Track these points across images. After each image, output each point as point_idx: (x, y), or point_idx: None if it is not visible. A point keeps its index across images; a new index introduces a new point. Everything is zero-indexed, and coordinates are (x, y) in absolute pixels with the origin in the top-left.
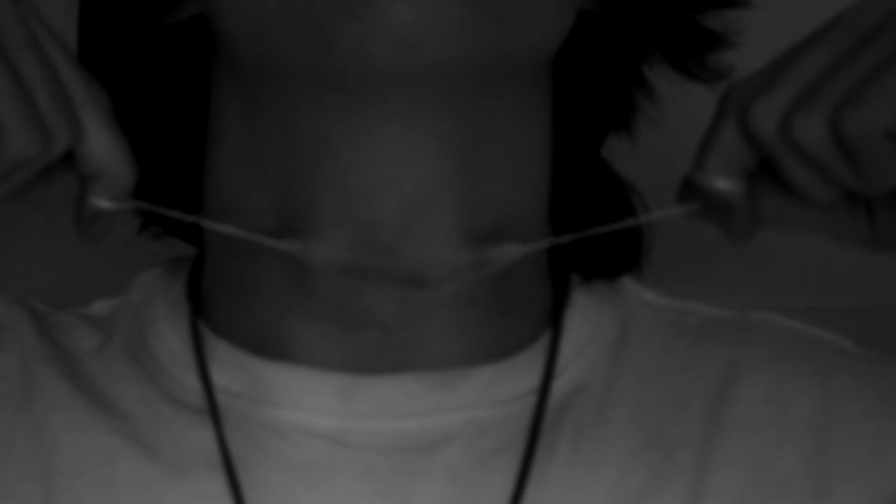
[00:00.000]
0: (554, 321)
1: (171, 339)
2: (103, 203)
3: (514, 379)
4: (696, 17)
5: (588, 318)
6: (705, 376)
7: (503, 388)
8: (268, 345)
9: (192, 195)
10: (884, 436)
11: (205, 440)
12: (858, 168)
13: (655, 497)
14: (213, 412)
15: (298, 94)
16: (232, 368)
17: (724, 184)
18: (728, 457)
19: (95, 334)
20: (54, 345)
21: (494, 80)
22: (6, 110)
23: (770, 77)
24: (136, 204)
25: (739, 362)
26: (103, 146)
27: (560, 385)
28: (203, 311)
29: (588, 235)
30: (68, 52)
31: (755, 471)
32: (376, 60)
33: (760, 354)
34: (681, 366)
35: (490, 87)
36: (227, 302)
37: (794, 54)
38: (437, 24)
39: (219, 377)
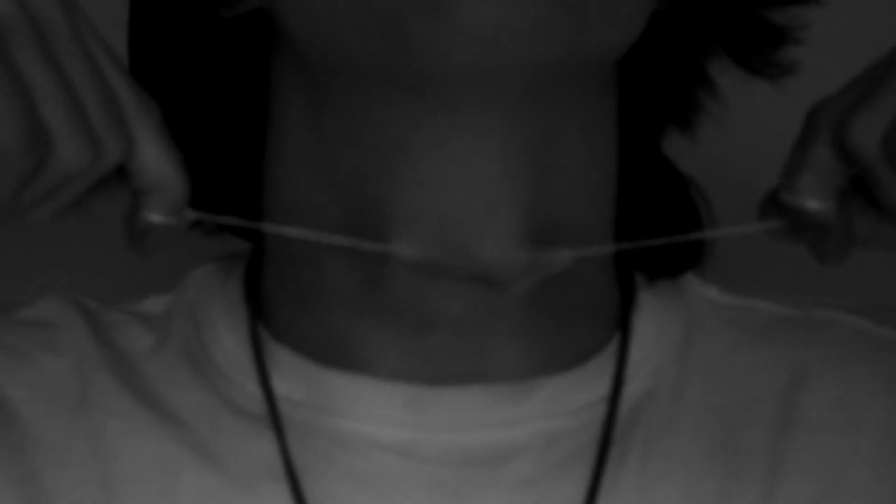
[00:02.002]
0: (621, 325)
1: (229, 342)
2: (156, 217)
3: (584, 388)
4: (762, 13)
5: (654, 320)
6: (772, 379)
7: (573, 397)
8: (332, 352)
9: (251, 191)
10: None
11: (267, 450)
12: None
13: None
14: (276, 421)
15: (371, 94)
16: (294, 376)
17: (817, 204)
18: (798, 464)
19: (149, 334)
20: (108, 346)
21: (568, 81)
22: (58, 120)
23: (865, 93)
24: (190, 216)
25: (807, 364)
26: (156, 160)
27: (630, 392)
28: (262, 314)
29: (648, 245)
30: (120, 62)
31: (826, 478)
32: (455, 60)
33: (829, 356)
34: (746, 367)
35: (563, 87)
36: (289, 307)
37: (887, 69)
38: (516, 22)
39: (280, 385)
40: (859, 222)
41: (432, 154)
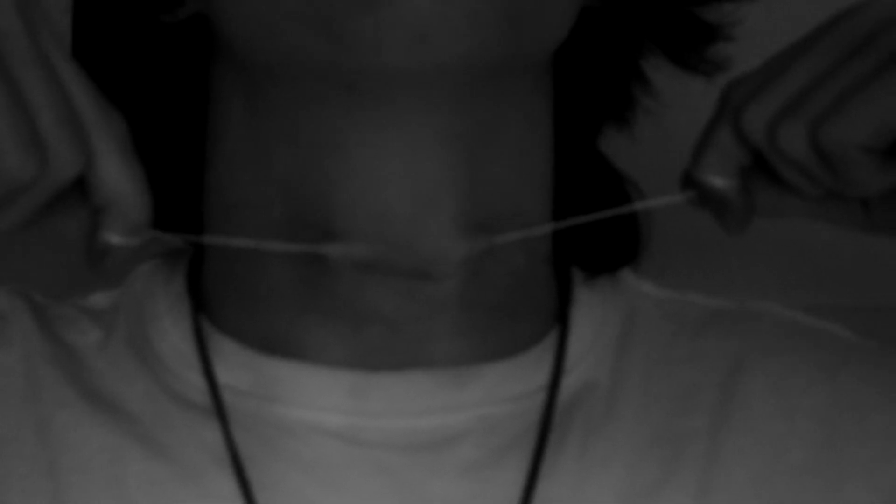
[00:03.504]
0: (560, 318)
1: (173, 336)
2: (115, 238)
3: (524, 376)
4: (694, 11)
5: (593, 314)
6: (711, 369)
7: (513, 385)
8: (275, 343)
9: (193, 191)
10: (893, 428)
11: (213, 439)
12: (839, 176)
13: (665, 491)
14: (220, 411)
15: (306, 93)
16: (238, 366)
17: (720, 181)
18: (736, 450)
19: (96, 329)
20: (55, 340)
21: (502, 78)
22: (1, 130)
23: (763, 80)
24: (149, 234)
25: (744, 354)
26: (115, 176)
27: (569, 382)
28: (205, 307)
29: (570, 225)
30: (82, 73)
31: (764, 463)
32: (388, 55)
33: (765, 346)
34: (684, 358)
35: (498, 84)
36: (232, 300)
37: (787, 58)
38: (449, 15)
39: (224, 375)
40: (762, 196)
41: (368, 151)
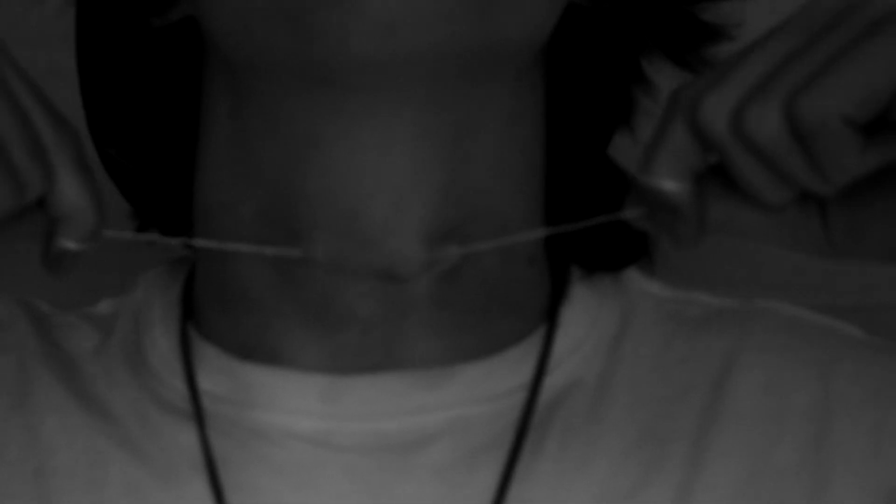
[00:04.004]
0: (550, 317)
1: (163, 343)
2: (70, 244)
3: (504, 375)
4: (694, 11)
5: (587, 312)
6: (703, 368)
7: (491, 384)
8: (253, 348)
9: (182, 193)
10: (884, 426)
11: (191, 444)
12: (815, 159)
13: (645, 493)
14: (197, 415)
15: (285, 88)
16: (218, 372)
17: (671, 185)
18: (723, 450)
19: (95, 335)
20: (53, 346)
21: (479, 71)
22: None
23: (720, 75)
24: (107, 235)
25: (738, 352)
26: (73, 191)
27: (553, 381)
28: (194, 315)
29: (535, 237)
30: (39, 93)
31: (751, 464)
32: (356, 47)
33: (761, 344)
34: (679, 358)
35: (475, 78)
36: (215, 307)
37: (744, 53)
38: (417, 5)
39: (205, 381)
40: (715, 207)
41: (343, 146)
